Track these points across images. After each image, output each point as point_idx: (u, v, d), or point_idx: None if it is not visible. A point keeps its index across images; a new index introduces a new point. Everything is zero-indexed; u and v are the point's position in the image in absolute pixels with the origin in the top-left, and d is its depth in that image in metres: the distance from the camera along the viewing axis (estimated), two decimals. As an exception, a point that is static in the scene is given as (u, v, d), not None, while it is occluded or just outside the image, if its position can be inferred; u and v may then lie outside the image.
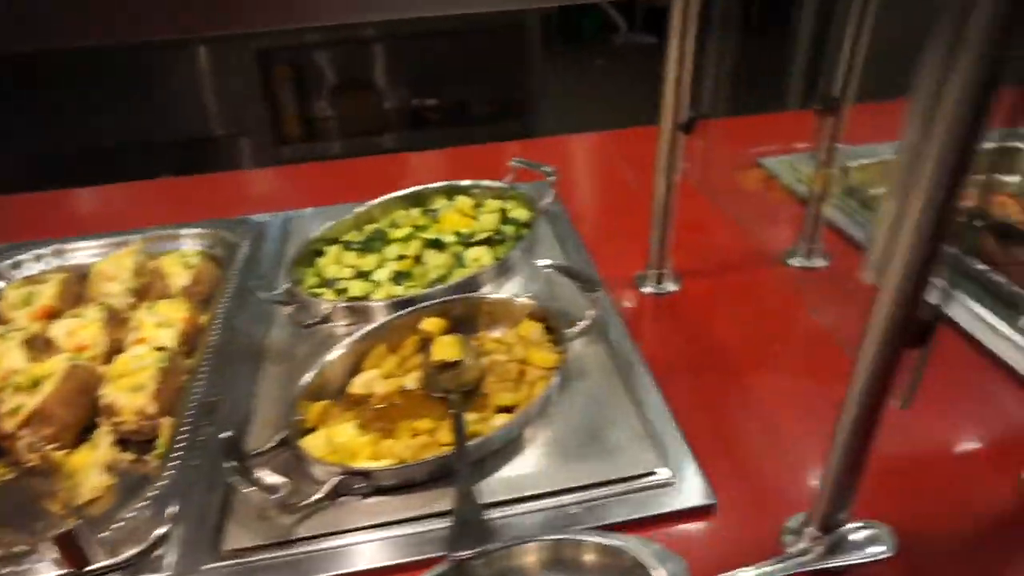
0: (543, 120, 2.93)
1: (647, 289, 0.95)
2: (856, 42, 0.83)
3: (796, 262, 0.99)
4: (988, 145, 0.40)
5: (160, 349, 0.80)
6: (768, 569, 0.55)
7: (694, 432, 0.69)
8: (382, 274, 0.93)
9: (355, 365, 0.81)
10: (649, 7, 5.54)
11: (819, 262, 0.99)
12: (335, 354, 0.79)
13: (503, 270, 0.93)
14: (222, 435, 0.65)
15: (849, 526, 0.58)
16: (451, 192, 1.13)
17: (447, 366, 0.78)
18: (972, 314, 0.84)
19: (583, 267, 0.94)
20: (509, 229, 1.02)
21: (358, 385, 0.79)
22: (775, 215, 1.15)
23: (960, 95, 0.38)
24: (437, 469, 0.65)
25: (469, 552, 0.56)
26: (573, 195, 1.18)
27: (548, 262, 0.88)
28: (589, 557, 0.57)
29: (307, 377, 0.76)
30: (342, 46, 2.55)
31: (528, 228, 1.01)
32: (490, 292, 0.89)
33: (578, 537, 0.57)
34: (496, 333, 0.85)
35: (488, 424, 0.71)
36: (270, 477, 0.63)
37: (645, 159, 0.88)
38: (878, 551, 0.57)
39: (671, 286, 0.95)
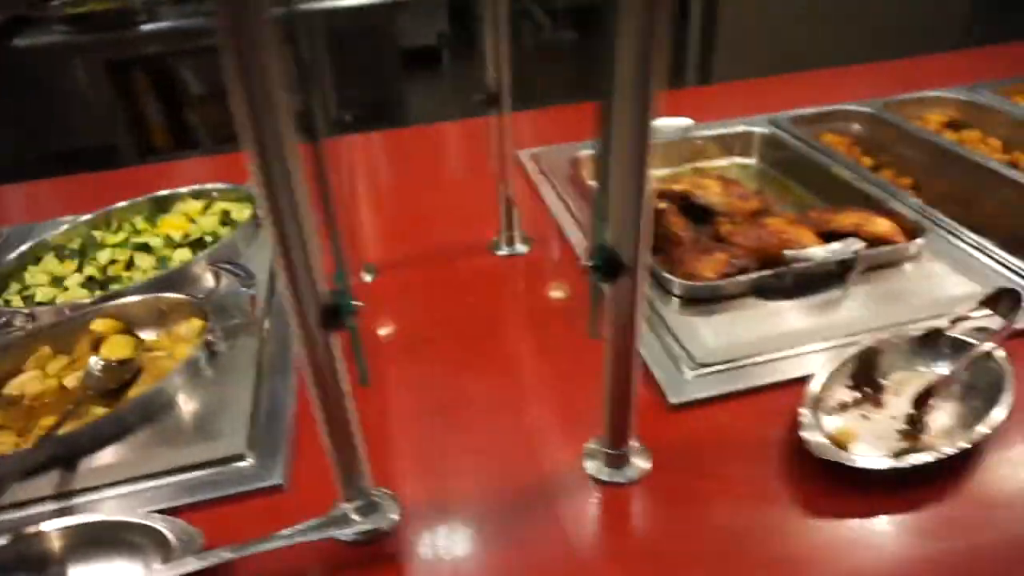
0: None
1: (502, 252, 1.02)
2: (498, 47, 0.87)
3: (502, 252, 1.04)
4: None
5: None
6: (287, 533, 0.58)
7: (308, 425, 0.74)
8: (74, 279, 0.95)
9: (16, 367, 0.84)
10: (569, 6, 5.64)
11: (521, 248, 1.03)
12: (-11, 357, 0.82)
13: (185, 273, 0.95)
14: None
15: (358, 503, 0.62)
16: (198, 195, 1.16)
17: (113, 364, 0.81)
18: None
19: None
20: (225, 231, 1.05)
21: (13, 386, 0.82)
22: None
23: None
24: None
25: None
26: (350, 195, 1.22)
27: (223, 261, 0.91)
28: (117, 535, 0.60)
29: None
30: (205, 55, 2.56)
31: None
32: (170, 292, 0.92)
33: (91, 519, 0.60)
34: (160, 332, 0.88)
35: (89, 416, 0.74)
36: None
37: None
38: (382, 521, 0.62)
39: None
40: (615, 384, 0.61)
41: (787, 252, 0.83)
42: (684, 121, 1.21)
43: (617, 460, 0.66)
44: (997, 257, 0.90)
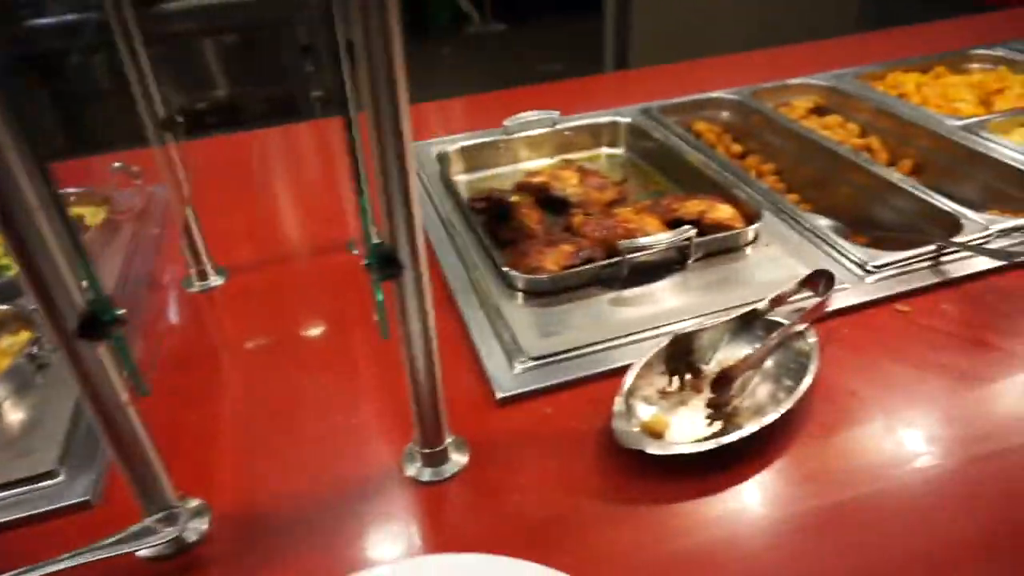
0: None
1: (193, 288, 0.96)
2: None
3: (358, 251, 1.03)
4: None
5: None
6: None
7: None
8: None
9: None
10: (497, -2, 5.63)
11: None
12: None
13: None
14: None
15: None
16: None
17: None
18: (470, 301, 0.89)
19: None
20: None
21: None
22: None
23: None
24: None
25: None
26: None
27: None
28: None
29: None
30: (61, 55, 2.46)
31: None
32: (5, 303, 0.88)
33: None
34: (-12, 345, 0.85)
35: None
36: None
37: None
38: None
39: (216, 281, 0.97)
40: (416, 384, 0.61)
41: (621, 242, 0.85)
42: (550, 114, 1.22)
43: (433, 459, 0.66)
44: (829, 240, 0.93)
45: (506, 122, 1.21)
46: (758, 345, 0.77)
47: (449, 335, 0.83)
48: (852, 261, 0.89)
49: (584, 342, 0.78)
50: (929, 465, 0.64)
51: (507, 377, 0.75)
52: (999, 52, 1.53)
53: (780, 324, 0.76)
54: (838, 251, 0.91)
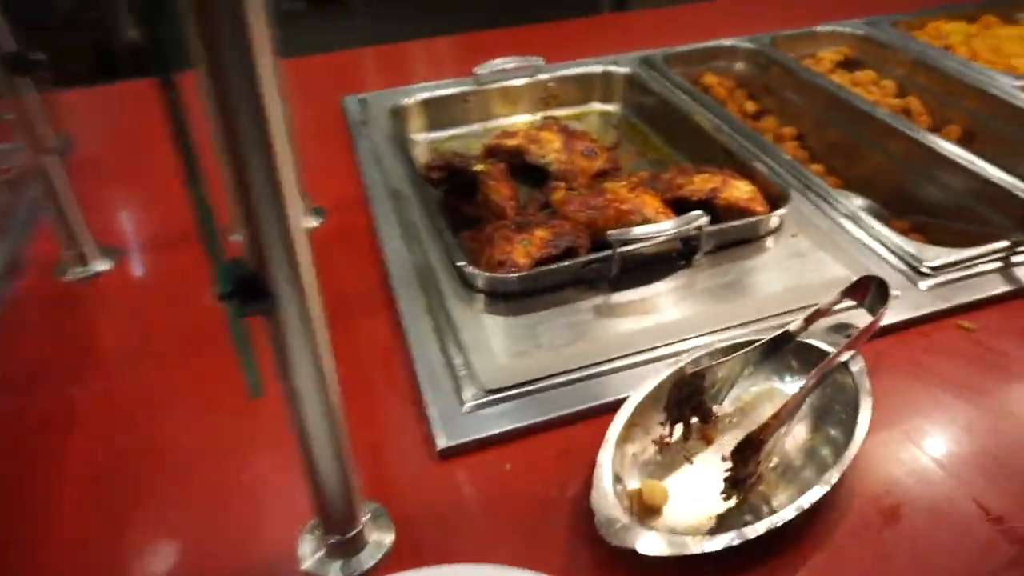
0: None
1: (68, 277, 0.76)
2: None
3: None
4: None
5: None
6: None
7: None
8: None
9: None
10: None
11: (311, 222, 0.83)
12: None
13: None
14: None
15: None
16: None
17: None
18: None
19: None
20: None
21: None
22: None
23: None
24: None
25: None
26: (87, 159, 0.98)
27: None
28: None
29: None
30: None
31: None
32: None
33: None
34: None
35: None
36: None
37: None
38: None
39: (100, 266, 0.77)
40: (310, 457, 0.42)
41: (611, 232, 0.65)
42: (532, 60, 1.01)
43: (342, 549, 0.48)
44: (870, 230, 0.74)
45: (477, 70, 0.99)
46: (789, 378, 0.58)
47: (380, 351, 0.64)
48: (901, 259, 0.70)
49: (559, 368, 0.60)
50: (1025, 565, 0.47)
51: (454, 417, 0.56)
52: (1055, -1, 1.31)
53: (818, 350, 0.58)
54: (883, 244, 0.73)
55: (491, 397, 0.57)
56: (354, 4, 4.55)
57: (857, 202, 0.87)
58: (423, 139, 1.01)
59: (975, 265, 0.69)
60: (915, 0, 1.35)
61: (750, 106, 1.14)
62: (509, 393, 0.58)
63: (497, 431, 0.55)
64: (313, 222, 0.82)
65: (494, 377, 0.59)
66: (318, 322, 0.38)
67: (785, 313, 0.64)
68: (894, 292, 0.61)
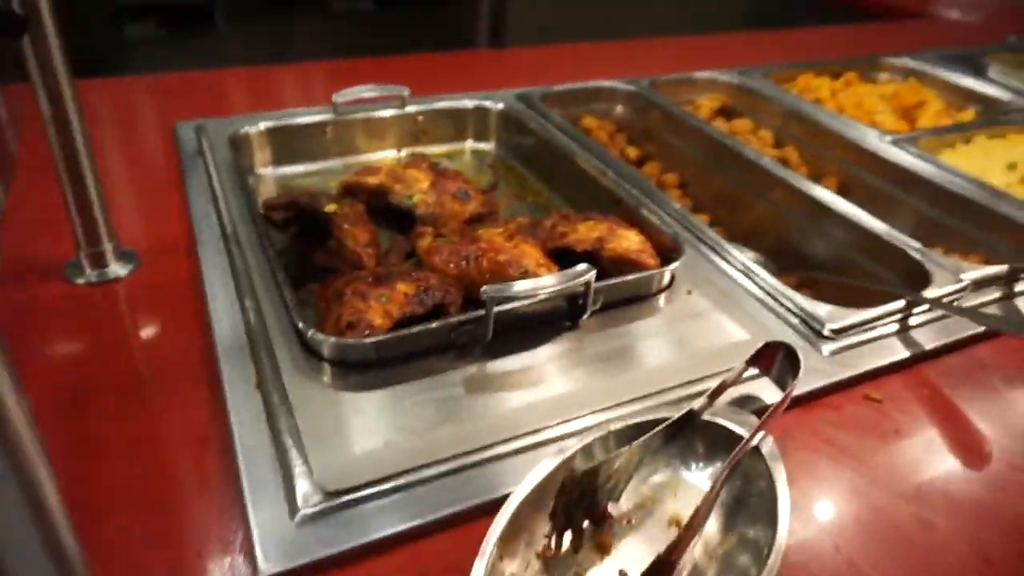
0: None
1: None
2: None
3: (85, 277, 0.66)
4: None
5: None
6: None
7: None
8: None
9: None
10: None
11: (118, 270, 0.67)
12: None
13: None
14: None
15: None
16: None
17: None
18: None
19: None
20: None
21: None
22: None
23: None
24: None
25: None
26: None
27: None
28: None
29: None
30: None
31: None
32: None
33: None
34: None
35: None
36: None
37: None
38: None
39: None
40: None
41: (486, 288, 0.55)
42: (397, 89, 0.90)
43: None
44: (768, 287, 0.68)
45: (336, 97, 0.88)
46: (695, 465, 0.50)
47: (193, 441, 0.50)
48: (803, 320, 0.65)
49: (422, 459, 0.48)
50: None
51: (283, 533, 0.43)
52: (908, 62, 1.37)
53: (725, 430, 0.49)
54: (781, 303, 0.67)
55: (333, 502, 0.45)
56: (220, 29, 4.31)
57: (748, 255, 0.83)
58: (271, 174, 0.87)
59: (875, 327, 0.65)
60: (778, 53, 1.38)
61: (631, 151, 1.08)
62: (357, 495, 0.45)
63: (338, 549, 0.43)
64: (120, 270, 0.67)
65: (338, 475, 0.46)
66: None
67: (685, 384, 0.56)
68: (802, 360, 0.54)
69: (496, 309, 0.56)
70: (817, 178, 1.02)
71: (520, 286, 0.55)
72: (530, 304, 0.58)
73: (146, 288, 0.66)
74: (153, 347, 0.59)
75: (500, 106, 0.98)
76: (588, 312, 0.61)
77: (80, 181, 0.62)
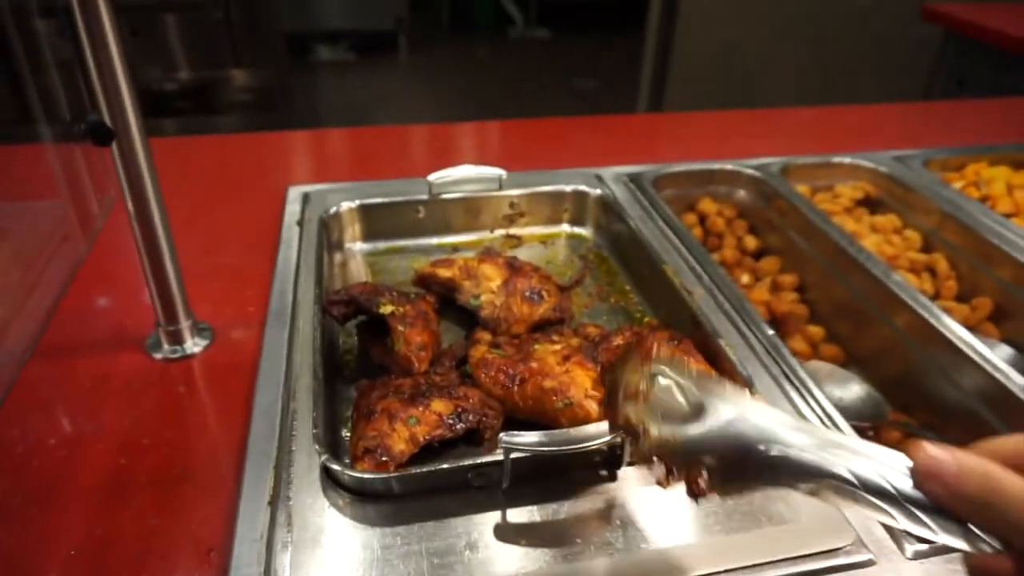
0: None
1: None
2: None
3: (165, 351, 0.71)
4: None
5: None
6: None
7: None
8: None
9: None
10: (544, 2, 5.34)
11: (192, 347, 0.70)
12: None
13: None
14: None
15: None
16: None
17: None
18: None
19: None
20: None
21: None
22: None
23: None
24: None
25: None
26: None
27: None
28: None
29: None
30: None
31: None
32: None
33: None
34: None
35: None
36: None
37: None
38: None
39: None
40: None
41: (502, 436, 0.51)
42: (493, 171, 0.89)
43: None
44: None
45: (431, 177, 0.88)
46: None
47: (197, 555, 0.51)
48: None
49: (397, 624, 0.45)
50: None
51: None
52: (1120, 149, 1.15)
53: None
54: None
55: (294, 662, 0.43)
56: (402, 55, 4.58)
57: (855, 390, 0.73)
58: (359, 249, 0.89)
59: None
60: (955, 131, 1.21)
61: (750, 241, 1.00)
62: (320, 658, 0.43)
63: None
64: (194, 347, 0.70)
65: (306, 632, 0.44)
66: None
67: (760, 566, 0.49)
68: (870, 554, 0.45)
69: (513, 456, 0.52)
70: (968, 296, 0.88)
71: (535, 438, 0.51)
72: (547, 453, 0.53)
73: (211, 370, 0.69)
74: (197, 435, 0.62)
75: (598, 192, 0.93)
76: (625, 463, 0.55)
77: (161, 272, 0.66)
